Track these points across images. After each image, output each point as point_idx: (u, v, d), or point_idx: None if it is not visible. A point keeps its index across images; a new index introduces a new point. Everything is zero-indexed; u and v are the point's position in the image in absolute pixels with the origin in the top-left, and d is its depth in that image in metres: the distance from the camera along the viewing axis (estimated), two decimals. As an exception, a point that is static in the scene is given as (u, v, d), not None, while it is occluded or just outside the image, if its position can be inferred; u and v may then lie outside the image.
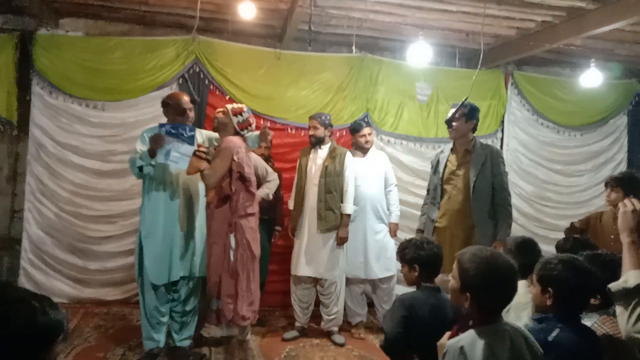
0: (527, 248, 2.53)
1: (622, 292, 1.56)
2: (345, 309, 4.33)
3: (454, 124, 3.63)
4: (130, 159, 3.33)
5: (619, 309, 1.59)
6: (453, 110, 3.67)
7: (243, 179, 3.28)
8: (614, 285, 1.60)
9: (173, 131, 3.24)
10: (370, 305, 4.54)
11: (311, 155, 4.19)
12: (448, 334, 1.90)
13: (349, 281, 4.30)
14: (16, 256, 4.61)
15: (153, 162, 3.25)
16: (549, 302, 1.89)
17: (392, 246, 4.30)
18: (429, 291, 2.46)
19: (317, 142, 4.14)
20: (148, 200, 3.39)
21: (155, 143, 3.20)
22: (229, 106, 3.43)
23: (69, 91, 4.55)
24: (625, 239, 1.63)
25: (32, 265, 4.55)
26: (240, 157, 3.26)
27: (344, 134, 5.06)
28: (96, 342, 3.82)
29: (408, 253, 2.52)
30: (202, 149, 3.23)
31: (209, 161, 3.23)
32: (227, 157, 3.21)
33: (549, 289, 1.89)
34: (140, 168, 3.28)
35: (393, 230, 4.36)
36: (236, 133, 3.39)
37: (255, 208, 3.39)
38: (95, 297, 4.63)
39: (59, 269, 4.60)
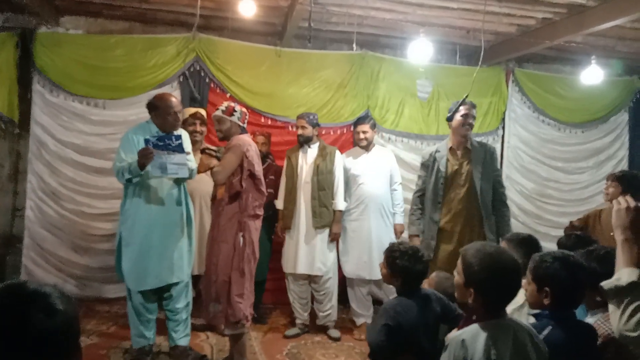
0: (530, 246, 2.46)
1: (615, 290, 1.55)
2: (350, 309, 4.38)
3: (472, 122, 3.64)
4: (117, 168, 3.24)
5: (611, 307, 1.57)
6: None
7: (253, 176, 3.27)
8: (606, 283, 1.58)
9: (160, 144, 3.14)
10: (380, 303, 4.52)
11: (300, 155, 4.21)
12: (456, 329, 1.90)
13: (353, 282, 4.30)
14: (18, 254, 4.63)
15: (143, 173, 3.18)
16: (546, 302, 1.87)
17: None
18: (411, 294, 2.43)
19: (305, 141, 4.17)
20: (131, 202, 3.32)
21: (145, 158, 3.11)
22: (217, 113, 3.35)
23: (70, 89, 4.56)
24: (618, 236, 1.62)
25: (33, 263, 4.56)
26: (250, 154, 3.25)
27: (345, 131, 5.06)
28: (98, 339, 3.84)
29: (399, 262, 2.44)
30: (212, 147, 3.21)
31: (218, 158, 3.23)
32: (238, 154, 3.20)
33: (546, 288, 1.87)
34: (129, 179, 3.21)
35: (398, 231, 4.28)
36: (242, 129, 3.38)
37: (262, 210, 3.38)
38: (96, 294, 4.65)
39: (61, 266, 4.61)
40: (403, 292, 2.46)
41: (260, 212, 3.36)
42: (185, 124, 4.13)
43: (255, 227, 3.32)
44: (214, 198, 3.41)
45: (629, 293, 1.52)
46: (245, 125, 3.42)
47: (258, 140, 4.32)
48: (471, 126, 3.67)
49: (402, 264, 2.43)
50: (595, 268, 1.97)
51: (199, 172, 3.24)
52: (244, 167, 3.22)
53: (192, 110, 4.21)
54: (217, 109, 3.40)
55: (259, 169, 3.31)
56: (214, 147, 3.23)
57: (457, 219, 3.61)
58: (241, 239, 3.24)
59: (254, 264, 3.32)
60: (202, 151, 3.20)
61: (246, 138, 3.34)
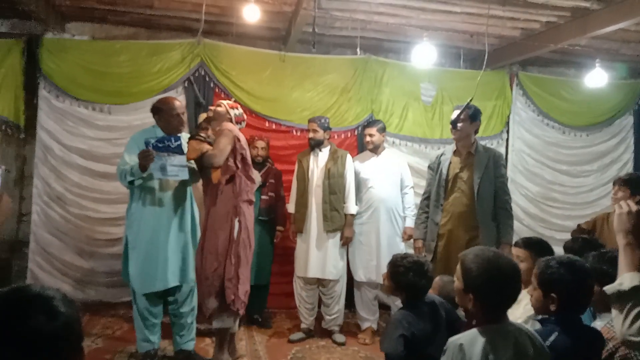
0: (542, 250, 2.42)
1: (617, 295, 1.54)
2: (356, 313, 4.37)
3: (458, 124, 3.61)
4: (120, 170, 3.28)
5: (614, 312, 1.57)
6: (457, 111, 3.67)
7: (244, 161, 3.34)
8: (609, 288, 1.57)
9: (160, 145, 3.17)
10: (386, 307, 4.51)
11: (312, 158, 4.21)
12: None
13: (360, 285, 4.30)
14: (24, 258, 4.65)
15: (145, 175, 3.21)
16: (552, 308, 1.86)
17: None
18: (417, 305, 2.40)
19: (317, 144, 4.17)
20: (136, 206, 3.35)
21: (145, 159, 3.13)
22: (224, 102, 3.51)
23: (76, 94, 4.59)
24: (621, 240, 1.61)
25: (39, 268, 4.58)
26: (242, 139, 3.35)
27: (349, 135, 5.07)
28: (103, 344, 3.84)
29: (403, 278, 2.38)
30: (201, 133, 3.25)
31: (210, 144, 3.26)
32: (231, 137, 3.26)
33: (552, 294, 1.85)
34: (131, 181, 3.25)
35: (408, 234, 4.23)
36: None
37: (253, 196, 3.46)
38: (101, 299, 4.66)
39: (66, 271, 4.63)
40: (409, 304, 2.43)
41: (253, 197, 3.41)
42: (198, 128, 4.17)
43: (250, 212, 3.37)
44: (206, 185, 3.42)
45: (631, 297, 1.51)
46: (237, 126, 3.44)
47: (258, 145, 4.33)
48: (457, 129, 3.60)
49: (407, 279, 2.38)
50: (607, 270, 1.96)
51: (189, 158, 3.24)
52: (237, 150, 3.29)
53: (205, 115, 4.24)
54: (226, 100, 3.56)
55: (248, 154, 3.42)
56: (202, 134, 3.27)
57: (455, 222, 3.60)
58: (237, 224, 3.27)
59: (249, 250, 3.35)
60: (192, 137, 3.22)
61: (234, 126, 3.41)
